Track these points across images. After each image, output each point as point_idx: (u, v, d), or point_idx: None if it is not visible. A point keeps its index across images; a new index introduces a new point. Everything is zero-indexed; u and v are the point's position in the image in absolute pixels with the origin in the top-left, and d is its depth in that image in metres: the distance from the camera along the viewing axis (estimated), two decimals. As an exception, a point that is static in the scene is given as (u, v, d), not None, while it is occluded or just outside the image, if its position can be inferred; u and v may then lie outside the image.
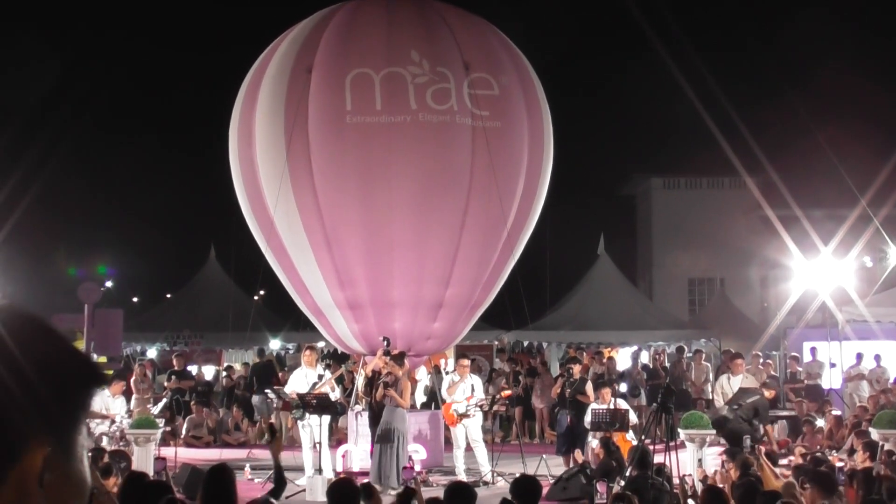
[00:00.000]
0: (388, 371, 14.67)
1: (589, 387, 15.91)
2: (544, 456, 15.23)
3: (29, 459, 1.30)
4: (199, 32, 67.66)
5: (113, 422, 15.47)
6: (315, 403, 14.61)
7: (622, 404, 15.14)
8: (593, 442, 13.98)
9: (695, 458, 13.01)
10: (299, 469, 14.97)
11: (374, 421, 15.06)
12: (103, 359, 18.73)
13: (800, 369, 21.02)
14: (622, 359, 26.01)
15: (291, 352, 28.38)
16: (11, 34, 44.51)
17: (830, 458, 13.20)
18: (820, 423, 16.16)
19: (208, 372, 26.06)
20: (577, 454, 14.88)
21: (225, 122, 17.35)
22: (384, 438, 14.11)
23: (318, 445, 14.58)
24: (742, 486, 8.76)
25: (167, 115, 65.06)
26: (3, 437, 1.29)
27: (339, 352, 21.18)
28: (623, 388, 19.93)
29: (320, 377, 15.39)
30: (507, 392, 18.29)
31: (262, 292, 30.18)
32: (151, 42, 65.86)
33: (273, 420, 16.46)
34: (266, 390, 18.64)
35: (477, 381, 15.89)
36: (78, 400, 1.39)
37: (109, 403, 15.86)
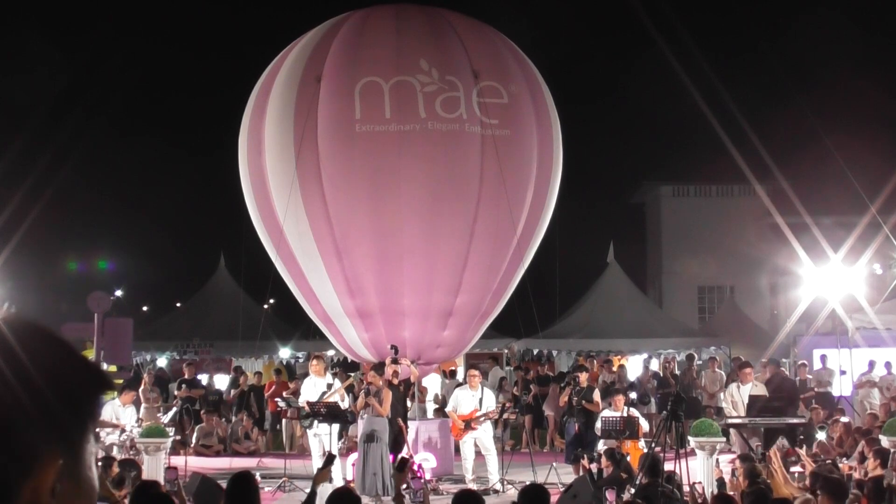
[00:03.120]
0: (370, 381, 14.64)
1: (596, 394, 15.91)
2: (554, 464, 15.20)
3: (43, 473, 1.30)
4: (214, 35, 67.86)
5: (123, 431, 15.49)
6: (324, 412, 14.63)
7: (634, 412, 15.11)
8: (603, 449, 13.95)
9: (705, 466, 12.98)
10: (309, 478, 14.99)
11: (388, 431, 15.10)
12: (113, 368, 18.76)
13: (809, 377, 20.97)
14: (632, 367, 25.99)
15: (301, 360, 28.43)
16: (25, 38, 44.72)
17: (841, 465, 13.16)
18: (821, 436, 16.08)
19: (221, 381, 26.07)
20: (585, 462, 14.86)
21: (234, 129, 17.40)
22: (368, 448, 14.04)
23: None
24: (752, 495, 8.75)
25: (175, 122, 65.31)
26: (17, 454, 1.29)
27: (349, 360, 21.20)
28: (632, 395, 19.90)
29: (329, 386, 15.40)
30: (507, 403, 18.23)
31: (271, 301, 30.21)
32: (164, 46, 66.08)
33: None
34: (277, 398, 18.66)
35: (488, 393, 15.85)
36: (88, 408, 1.38)
37: (120, 413, 15.88)
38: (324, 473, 7.86)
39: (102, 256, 40.46)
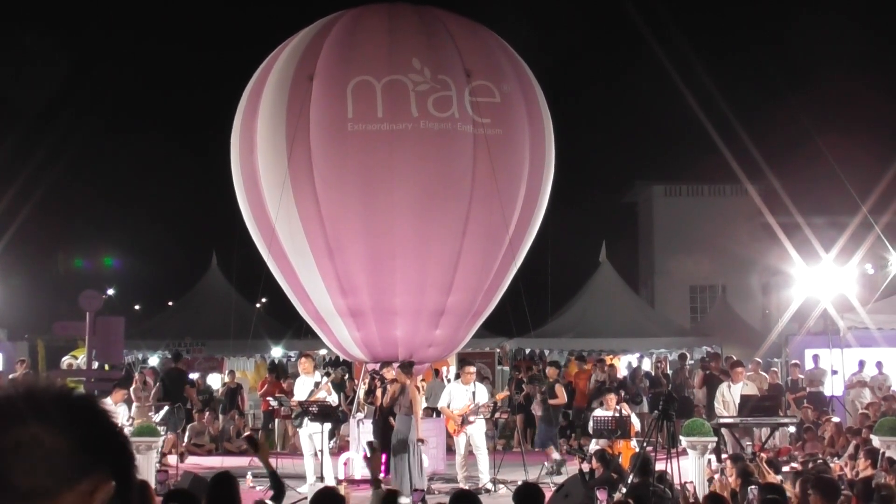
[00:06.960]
0: (394, 379, 14.65)
1: (559, 389, 16.94)
2: (546, 463, 15.22)
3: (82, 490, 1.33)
4: (208, 33, 67.77)
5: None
6: (315, 411, 14.61)
7: (627, 410, 15.14)
8: (593, 450, 13.96)
9: (697, 465, 12.99)
10: (301, 477, 14.98)
11: (378, 427, 15.09)
12: (105, 367, 18.71)
13: (801, 377, 21.00)
14: (624, 366, 26.01)
15: (293, 359, 28.39)
16: (19, 35, 44.62)
17: (832, 465, 13.19)
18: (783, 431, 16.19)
19: (214, 381, 26.08)
20: (551, 451, 15.32)
21: (227, 128, 17.36)
22: (399, 448, 14.02)
23: (319, 453, 14.58)
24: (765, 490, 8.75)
25: (168, 120, 65.12)
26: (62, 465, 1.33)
27: (342, 359, 21.18)
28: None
29: (317, 384, 15.40)
30: (502, 394, 18.34)
31: (263, 300, 30.18)
32: (159, 43, 65.96)
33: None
34: (269, 397, 18.61)
35: (480, 388, 15.88)
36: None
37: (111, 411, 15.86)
38: (263, 453, 7.98)
39: (94, 254, 40.41)
